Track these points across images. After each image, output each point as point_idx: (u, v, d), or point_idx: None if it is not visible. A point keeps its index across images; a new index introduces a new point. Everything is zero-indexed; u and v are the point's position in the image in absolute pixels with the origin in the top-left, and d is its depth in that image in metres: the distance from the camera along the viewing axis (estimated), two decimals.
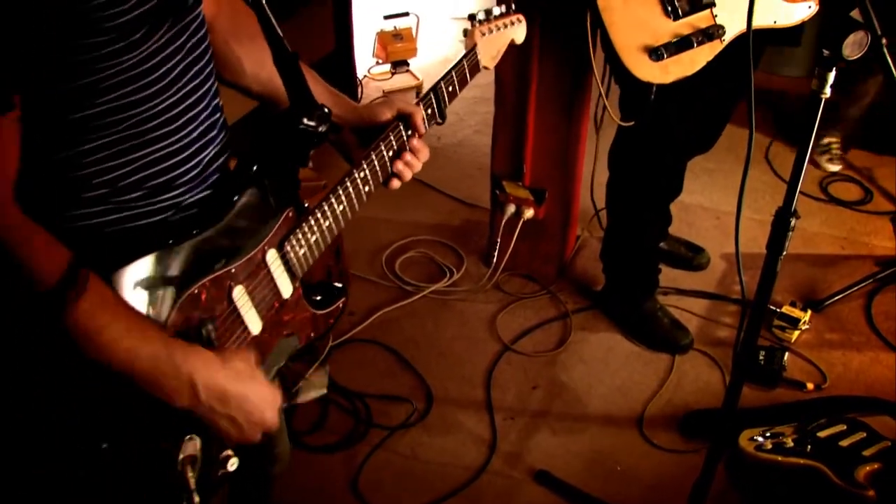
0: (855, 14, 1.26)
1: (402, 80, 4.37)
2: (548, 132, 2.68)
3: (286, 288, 1.26)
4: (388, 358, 2.69)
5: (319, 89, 1.36)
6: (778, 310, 2.69)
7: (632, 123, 2.17)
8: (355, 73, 4.10)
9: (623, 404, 2.52)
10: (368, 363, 2.67)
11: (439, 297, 2.92)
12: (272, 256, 1.21)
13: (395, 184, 1.42)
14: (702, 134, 2.47)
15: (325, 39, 3.72)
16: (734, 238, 1.49)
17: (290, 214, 1.24)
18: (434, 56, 4.64)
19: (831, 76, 1.33)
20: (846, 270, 3.00)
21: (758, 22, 1.93)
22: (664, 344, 2.67)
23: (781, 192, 1.47)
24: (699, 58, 1.91)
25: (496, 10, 1.49)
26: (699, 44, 1.89)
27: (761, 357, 2.52)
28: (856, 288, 2.87)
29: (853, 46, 1.27)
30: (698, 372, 2.62)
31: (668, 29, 1.88)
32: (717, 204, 3.36)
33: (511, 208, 2.83)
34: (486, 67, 1.51)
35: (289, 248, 1.23)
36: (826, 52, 1.30)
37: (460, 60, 1.46)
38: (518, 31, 1.55)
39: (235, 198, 1.16)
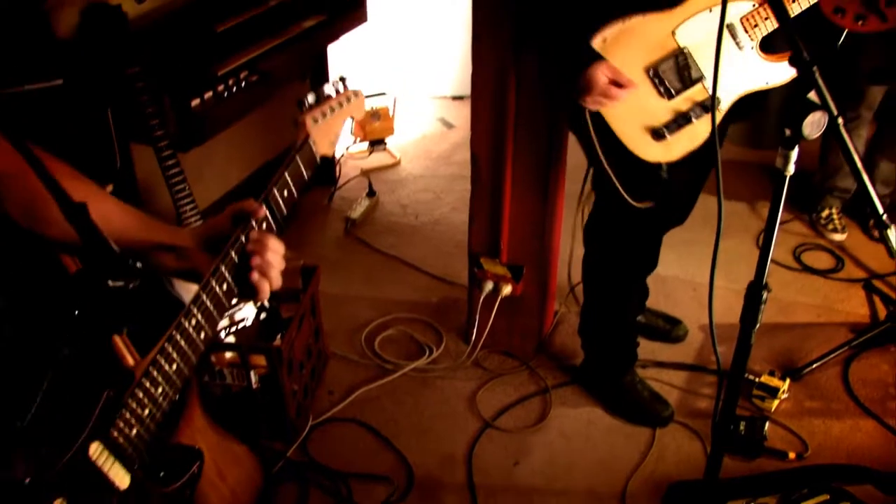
0: (812, 96, 1.31)
1: (380, 159, 4.44)
2: (524, 209, 2.72)
3: (122, 478, 1.11)
4: (368, 436, 2.67)
5: (140, 226, 1.25)
6: (757, 379, 2.71)
7: (650, 205, 2.17)
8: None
9: (606, 478, 2.50)
10: (349, 442, 2.65)
11: (419, 375, 2.92)
12: (96, 450, 1.06)
13: (263, 291, 1.22)
14: (677, 207, 2.51)
15: None
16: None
17: (110, 395, 1.08)
18: (412, 134, 4.73)
19: (794, 155, 1.38)
20: (823, 338, 3.03)
21: (752, 85, 2.01)
22: (645, 417, 2.67)
23: None
24: (699, 131, 1.97)
25: (328, 90, 1.39)
26: (698, 117, 1.95)
27: (742, 427, 2.52)
28: (832, 355, 2.90)
29: (812, 126, 1.32)
30: (680, 444, 2.61)
31: (666, 108, 1.95)
32: (694, 275, 3.40)
33: (489, 285, 2.85)
34: (325, 155, 1.37)
35: (116, 433, 1.09)
36: (788, 132, 1.35)
37: (291, 155, 1.30)
38: (355, 108, 1.44)
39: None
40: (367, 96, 4.44)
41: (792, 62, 1.29)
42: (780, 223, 1.46)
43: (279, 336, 2.55)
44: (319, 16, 3.41)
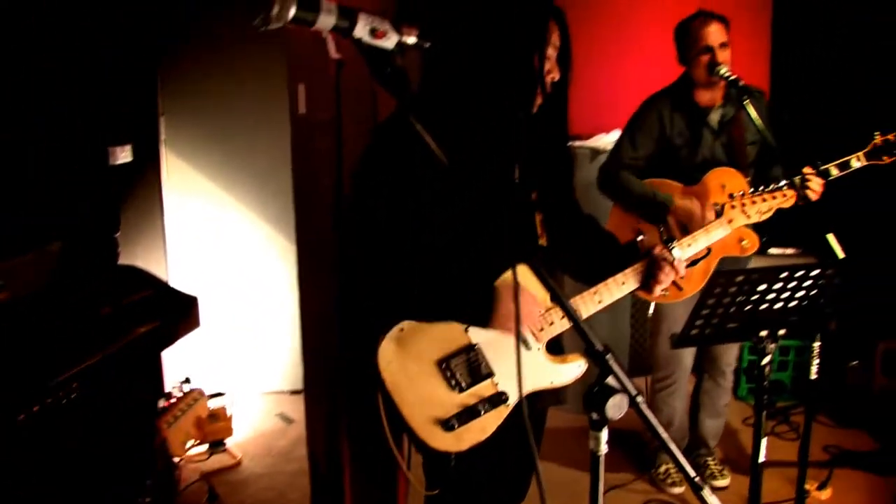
0: (611, 380, 1.45)
1: (220, 460, 4.31)
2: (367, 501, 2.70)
3: None
4: None
5: None
6: None
7: (436, 492, 2.21)
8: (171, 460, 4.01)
9: None
10: None
11: None
12: None
13: None
14: (510, 485, 2.55)
15: None
16: None
17: None
18: (251, 432, 4.66)
19: (604, 435, 1.49)
20: None
21: (536, 384, 2.12)
22: None
23: None
24: (489, 424, 2.04)
25: (176, 392, 1.47)
26: (486, 411, 2.02)
27: None
28: None
29: (615, 409, 1.45)
30: None
31: (456, 401, 2.02)
32: None
33: None
34: (177, 455, 1.43)
35: None
36: (595, 416, 1.47)
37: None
38: (202, 407, 1.52)
39: None
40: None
41: (586, 354, 1.43)
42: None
43: None
44: (153, 322, 3.44)
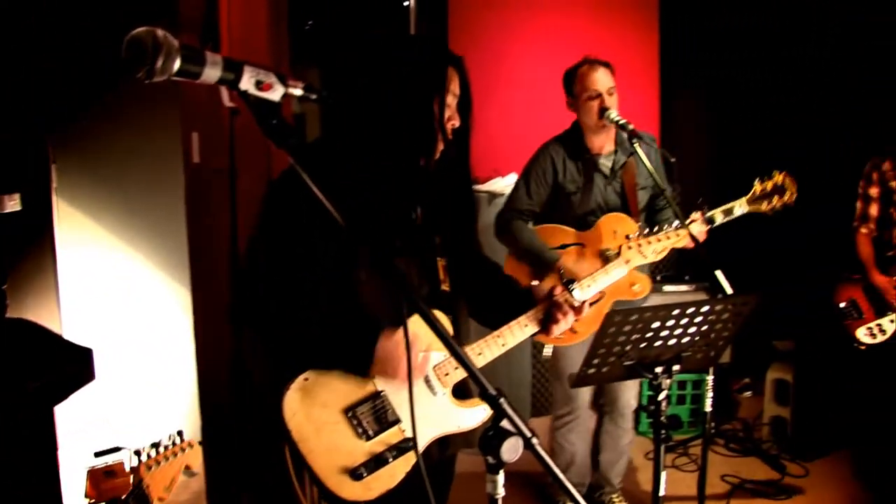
0: (505, 423, 1.46)
1: None
2: None
3: None
4: None
5: None
6: None
7: None
8: None
9: None
10: None
11: None
12: None
13: None
14: None
15: None
16: None
17: None
18: None
19: (500, 478, 1.50)
20: None
21: (443, 429, 2.13)
22: None
23: None
24: (398, 471, 2.04)
25: (166, 441, 1.48)
26: (394, 458, 2.02)
27: None
28: None
29: (510, 451, 1.46)
30: None
31: (363, 449, 2.01)
32: None
33: None
34: (161, 498, 1.45)
35: None
36: (491, 459, 1.48)
37: (125, 500, 1.40)
38: (192, 456, 1.53)
39: None
40: (99, 453, 4.28)
41: (482, 397, 1.45)
42: None
43: None
44: (44, 377, 3.31)
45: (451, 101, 2.08)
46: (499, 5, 5.53)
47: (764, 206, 3.31)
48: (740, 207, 3.32)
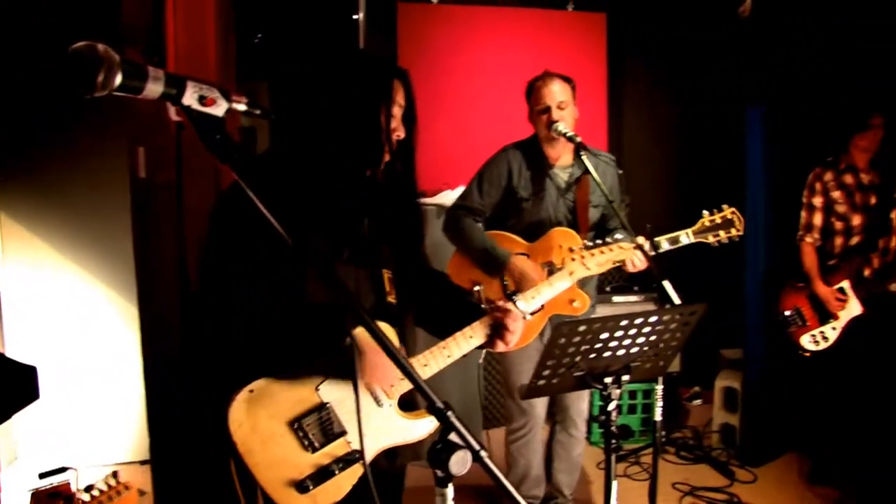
0: (453, 436, 1.47)
1: None
2: None
3: None
4: None
5: None
6: None
7: None
8: None
9: None
10: None
11: None
12: None
13: None
14: None
15: None
16: None
17: None
18: None
19: (449, 491, 1.50)
20: None
21: (389, 441, 2.12)
22: None
23: None
24: (344, 483, 2.03)
25: (101, 484, 1.44)
26: (341, 470, 2.01)
27: None
28: None
29: (458, 465, 1.46)
30: None
31: (309, 461, 2.00)
32: None
33: None
34: None
35: None
36: (440, 473, 1.48)
37: None
38: (128, 500, 1.51)
39: None
40: (44, 474, 4.18)
41: (429, 410, 1.45)
42: None
43: None
44: None
45: (397, 112, 2.10)
46: (448, 19, 5.56)
47: (710, 238, 3.37)
48: (686, 237, 3.37)
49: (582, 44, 5.88)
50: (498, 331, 2.26)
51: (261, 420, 1.99)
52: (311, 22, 5.00)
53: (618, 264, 2.93)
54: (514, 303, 2.30)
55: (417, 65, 5.36)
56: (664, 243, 3.36)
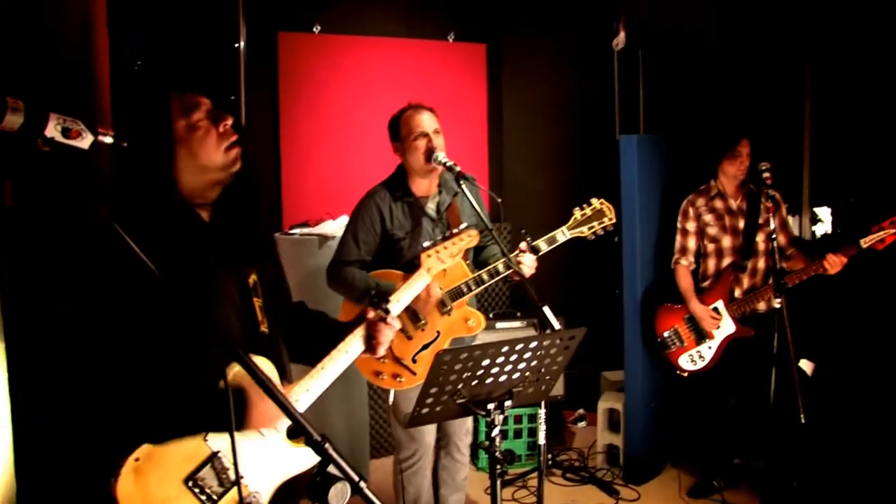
0: (332, 469, 1.46)
1: None
2: None
3: None
4: None
5: None
6: None
7: None
8: None
9: None
10: None
11: None
12: None
13: None
14: None
15: None
16: None
17: None
18: None
19: None
20: None
21: (288, 472, 2.08)
22: None
23: None
24: None
25: None
26: None
27: None
28: None
29: (337, 497, 1.46)
30: None
31: None
32: None
33: None
34: None
35: None
36: None
37: None
38: None
39: None
40: None
41: (306, 444, 1.44)
42: None
43: None
44: None
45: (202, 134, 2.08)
46: (329, 49, 5.57)
47: (585, 232, 3.48)
48: (562, 235, 3.48)
49: (463, 73, 5.99)
50: (373, 337, 2.29)
51: (152, 487, 1.89)
52: (192, 50, 4.90)
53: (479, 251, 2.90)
54: (383, 308, 2.33)
55: (299, 94, 5.34)
56: (542, 245, 3.45)
